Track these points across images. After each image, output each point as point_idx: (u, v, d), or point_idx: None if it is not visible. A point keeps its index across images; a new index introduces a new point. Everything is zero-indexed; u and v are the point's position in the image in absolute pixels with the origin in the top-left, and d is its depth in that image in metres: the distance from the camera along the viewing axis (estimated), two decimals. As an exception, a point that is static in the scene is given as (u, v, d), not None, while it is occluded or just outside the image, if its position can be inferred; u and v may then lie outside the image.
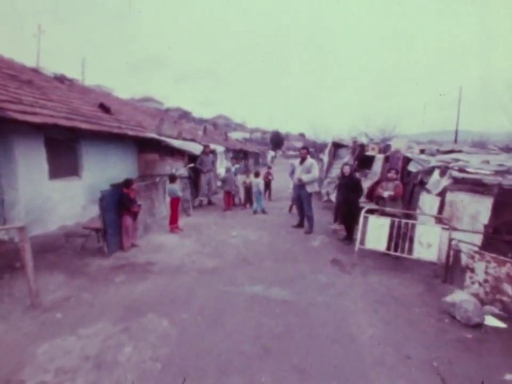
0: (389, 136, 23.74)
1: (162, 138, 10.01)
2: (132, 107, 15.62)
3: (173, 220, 7.25)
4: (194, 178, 10.55)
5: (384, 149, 10.44)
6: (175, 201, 7.21)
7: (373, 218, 5.95)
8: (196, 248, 6.28)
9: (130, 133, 8.99)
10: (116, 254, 5.74)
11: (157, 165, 10.40)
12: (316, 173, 7.27)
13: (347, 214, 6.85)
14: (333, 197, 11.19)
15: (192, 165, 9.87)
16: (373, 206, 9.23)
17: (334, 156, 11.37)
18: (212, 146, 13.15)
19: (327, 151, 11.83)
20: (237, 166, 10.59)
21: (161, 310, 3.91)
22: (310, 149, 7.58)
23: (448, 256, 5.24)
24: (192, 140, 11.24)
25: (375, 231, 5.88)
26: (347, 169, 6.89)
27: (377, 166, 10.02)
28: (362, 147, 10.87)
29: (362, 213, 6.03)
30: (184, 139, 10.93)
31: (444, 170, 6.22)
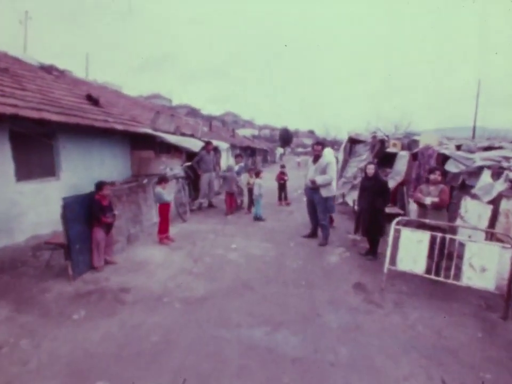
0: (405, 131, 22.23)
1: (157, 133, 8.82)
2: (131, 101, 14.50)
3: (162, 229, 6.06)
4: (194, 178, 9.35)
5: (408, 145, 9.06)
6: (164, 208, 6.01)
7: (407, 232, 4.65)
8: (186, 265, 5.08)
9: (119, 127, 7.82)
10: (85, 276, 4.57)
11: (152, 163, 9.23)
12: (332, 174, 5.99)
13: (371, 224, 5.55)
14: (349, 199, 9.87)
15: (189, 163, 8.67)
16: (396, 210, 7.93)
17: (350, 152, 10.04)
18: (215, 142, 11.94)
19: (342, 147, 10.49)
20: (241, 164, 9.33)
21: (120, 373, 2.71)
22: (325, 145, 6.28)
23: (510, 284, 3.94)
24: (192, 136, 10.05)
25: (411, 249, 4.58)
26: (371, 169, 5.58)
27: (401, 164, 8.66)
28: (383, 143, 9.51)
29: (393, 225, 4.74)
30: (183, 134, 9.74)
31: (497, 172, 4.88)
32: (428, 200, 4.98)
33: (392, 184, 8.29)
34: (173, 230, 6.95)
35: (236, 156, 9.52)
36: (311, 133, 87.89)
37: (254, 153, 29.92)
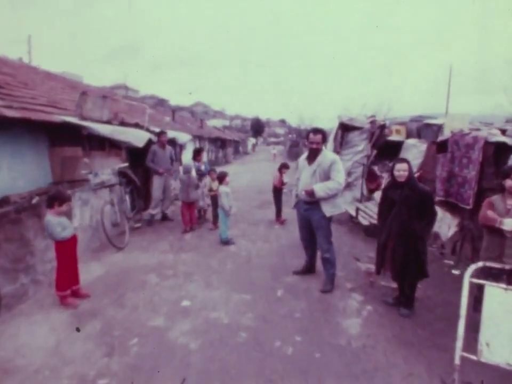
0: (385, 118, 20.39)
1: (82, 122, 6.17)
2: (66, 84, 11.50)
3: (62, 282, 3.52)
4: (139, 184, 6.76)
5: (418, 130, 6.98)
6: (62, 248, 3.47)
7: (499, 293, 2.46)
8: (88, 368, 2.62)
9: (10, 113, 5.09)
10: None
11: (80, 165, 6.56)
12: (340, 179, 3.70)
13: (407, 260, 3.34)
14: (345, 203, 7.68)
15: (126, 164, 6.07)
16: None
17: (341, 142, 7.82)
18: (172, 133, 9.31)
19: (331, 136, 8.26)
20: (204, 162, 6.82)
21: None
22: (326, 135, 3.93)
23: None
24: (137, 126, 7.43)
25: (506, 324, 2.40)
26: (403, 171, 3.32)
27: (411, 156, 6.56)
28: (382, 129, 7.37)
29: (468, 276, 2.53)
30: (123, 124, 7.10)
31: None
32: (509, 224, 2.85)
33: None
34: (96, 269, 4.46)
35: (195, 152, 6.94)
36: (283, 122, 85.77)
37: (224, 144, 27.31)
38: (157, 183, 6.71)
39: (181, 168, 6.76)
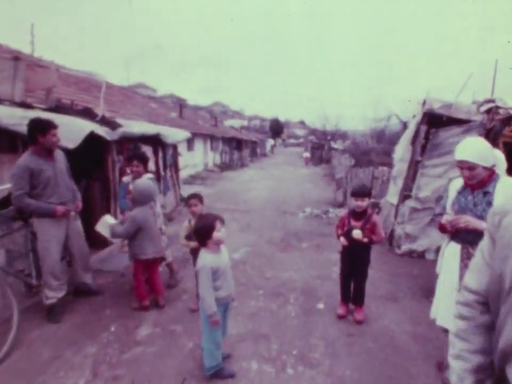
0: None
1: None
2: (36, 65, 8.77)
3: None
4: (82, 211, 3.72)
5: None
6: None
7: None
8: None
9: None
10: None
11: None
12: None
13: None
14: (426, 246, 4.53)
15: (5, 186, 3.01)
16: None
17: (424, 146, 4.57)
18: (152, 128, 6.26)
19: (405, 135, 5.02)
20: (149, 177, 3.50)
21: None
22: None
23: None
24: (86, 113, 4.41)
25: None
26: None
27: None
28: (506, 124, 4.09)
29: None
30: (62, 108, 4.14)
31: None
32: None
33: None
34: None
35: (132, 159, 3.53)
36: (302, 123, 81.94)
37: (240, 145, 24.29)
38: (48, 237, 2.99)
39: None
